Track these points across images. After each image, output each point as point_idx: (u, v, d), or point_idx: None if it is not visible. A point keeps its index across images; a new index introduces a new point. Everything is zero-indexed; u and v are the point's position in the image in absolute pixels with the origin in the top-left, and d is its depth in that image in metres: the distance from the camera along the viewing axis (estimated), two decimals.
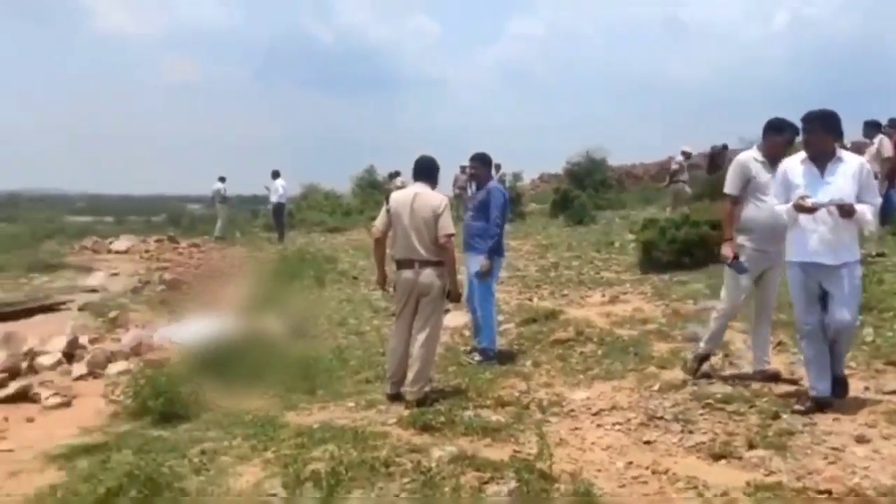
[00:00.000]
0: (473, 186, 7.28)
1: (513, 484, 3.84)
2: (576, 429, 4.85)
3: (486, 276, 6.61)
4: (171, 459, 4.25)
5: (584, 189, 23.42)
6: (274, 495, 3.91)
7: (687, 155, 16.84)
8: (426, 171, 5.79)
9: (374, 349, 7.44)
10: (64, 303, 10.68)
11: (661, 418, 4.93)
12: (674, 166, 17.14)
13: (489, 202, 6.68)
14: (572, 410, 5.19)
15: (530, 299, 9.26)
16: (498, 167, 21.89)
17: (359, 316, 9.13)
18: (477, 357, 6.65)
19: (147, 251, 17.20)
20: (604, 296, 9.02)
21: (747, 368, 5.82)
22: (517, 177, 29.46)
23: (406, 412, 5.23)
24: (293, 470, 4.16)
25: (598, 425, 4.90)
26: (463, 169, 20.61)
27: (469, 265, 6.76)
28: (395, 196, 5.80)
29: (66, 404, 6.27)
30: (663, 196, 19.35)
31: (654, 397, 5.33)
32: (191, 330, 7.50)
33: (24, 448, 5.16)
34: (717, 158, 15.51)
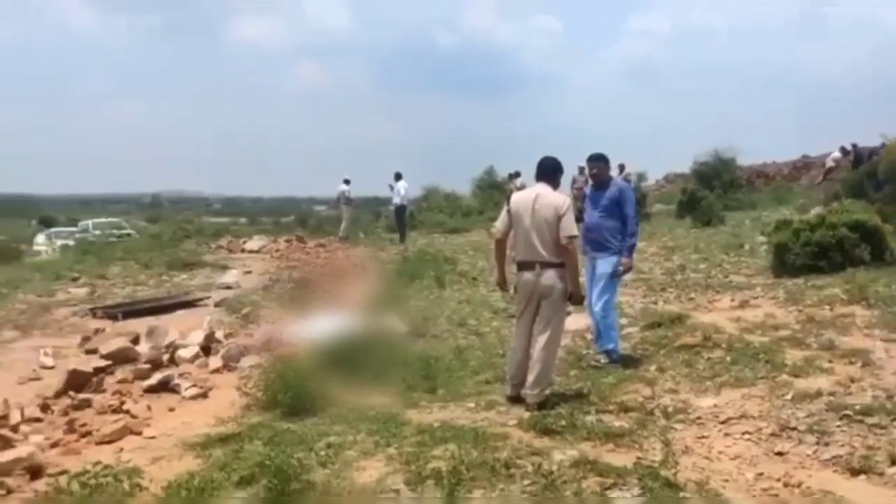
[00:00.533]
0: (589, 187, 7.07)
1: (636, 490, 3.76)
2: (702, 437, 4.69)
3: (621, 275, 6.58)
4: (298, 451, 4.40)
5: (713, 189, 22.62)
6: (396, 491, 3.99)
7: (845, 152, 16.01)
8: (549, 171, 5.72)
9: (494, 350, 7.45)
10: (202, 299, 11.30)
11: (794, 429, 4.70)
12: (829, 164, 16.33)
13: (621, 200, 6.53)
14: (699, 418, 5.02)
15: (655, 303, 9.03)
16: (622, 167, 21.46)
17: (478, 317, 9.17)
18: (603, 359, 6.54)
19: (277, 251, 17.91)
20: (733, 300, 8.67)
21: (890, 378, 5.46)
22: (641, 177, 28.80)
23: (526, 414, 5.21)
24: (415, 467, 4.24)
25: (727, 434, 4.72)
26: (581, 170, 20.31)
27: (598, 266, 6.57)
28: (516, 197, 5.78)
29: (203, 395, 6.63)
30: (796, 196, 18.43)
31: (787, 407, 5.08)
32: (318, 327, 7.74)
33: (165, 436, 5.50)
34: (861, 157, 14.67)
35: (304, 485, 3.99)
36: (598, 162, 6.76)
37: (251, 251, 18.05)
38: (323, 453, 4.59)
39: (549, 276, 5.45)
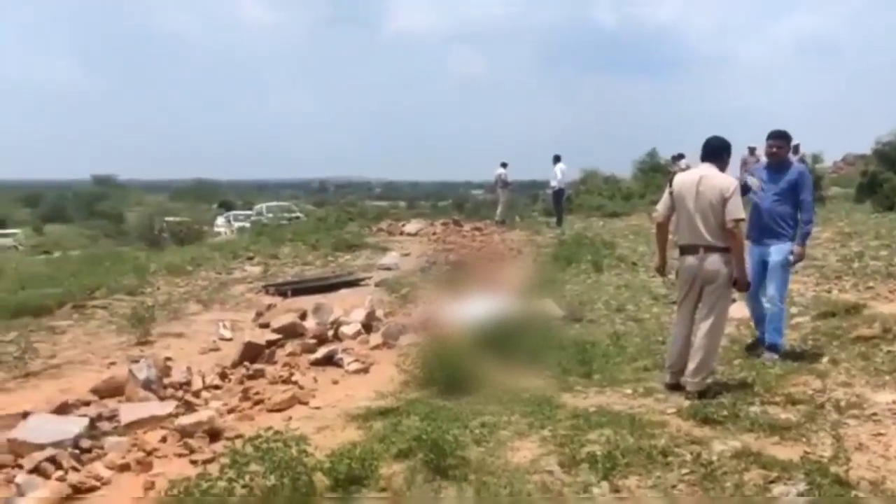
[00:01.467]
0: (763, 168, 6.57)
1: (802, 486, 3.58)
2: (879, 434, 4.38)
3: (793, 264, 6.21)
4: (454, 428, 4.50)
5: None
6: (550, 473, 4.01)
7: None
8: (715, 152, 5.49)
9: (653, 337, 7.28)
10: (364, 279, 11.76)
11: None
12: None
13: (799, 185, 6.11)
14: (875, 414, 4.69)
15: (829, 291, 8.47)
16: (797, 148, 20.20)
17: (637, 302, 8.97)
18: (767, 355, 6.10)
19: (434, 234, 18.30)
20: None
21: None
22: (816, 158, 26.92)
23: (686, 403, 5.08)
24: (569, 450, 4.24)
25: None
26: (752, 150, 19.27)
27: (770, 254, 6.15)
28: (680, 178, 5.59)
29: (365, 370, 6.92)
30: None
31: None
32: (473, 309, 7.86)
33: (330, 407, 5.79)
34: None
35: (459, 460, 4.10)
36: (780, 140, 6.27)
37: (409, 234, 18.54)
38: (477, 431, 4.68)
39: (714, 261, 5.26)
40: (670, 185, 5.55)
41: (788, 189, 6.12)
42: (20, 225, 44.10)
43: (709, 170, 5.39)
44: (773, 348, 6.13)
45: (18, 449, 4.69)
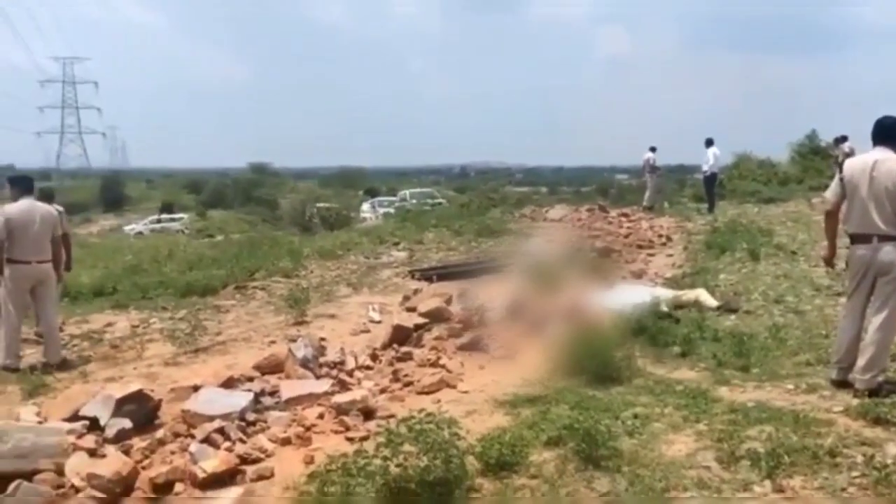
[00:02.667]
0: None
1: None
2: None
3: None
4: (605, 419, 4.46)
5: None
6: (708, 468, 3.89)
7: None
8: (889, 133, 5.12)
9: (816, 330, 6.89)
10: (507, 265, 11.77)
11: None
12: None
13: None
14: None
15: None
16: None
17: (798, 293, 8.50)
18: None
19: (579, 220, 18.05)
20: None
21: None
22: None
23: (855, 401, 4.79)
24: (727, 446, 4.11)
25: None
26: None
27: None
28: (852, 163, 5.28)
29: (510, 356, 6.93)
30: None
31: None
32: (622, 296, 7.73)
33: (477, 392, 5.86)
34: None
35: (611, 451, 4.06)
36: None
37: (553, 220, 18.39)
38: (630, 423, 4.61)
39: (889, 251, 4.93)
40: (840, 171, 5.27)
41: None
42: (186, 210, 47.42)
43: (883, 153, 5.07)
44: None
45: (191, 420, 5.06)
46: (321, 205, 29.77)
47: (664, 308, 7.63)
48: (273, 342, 7.52)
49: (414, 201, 30.06)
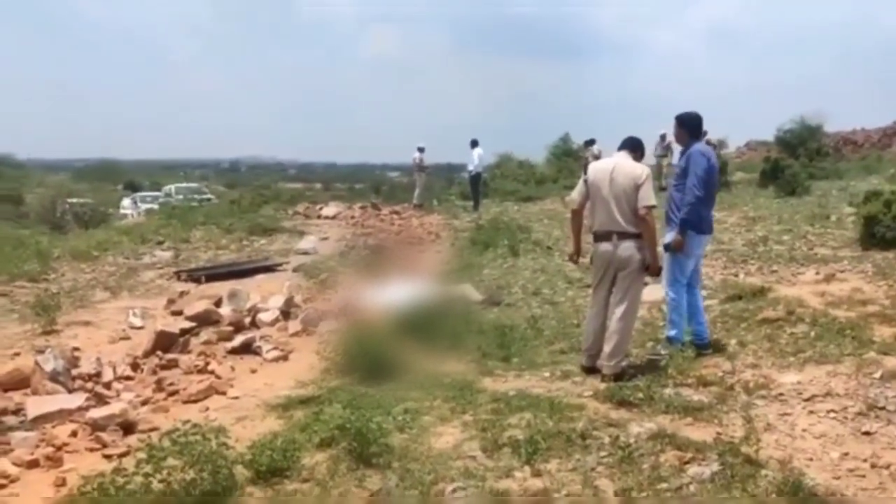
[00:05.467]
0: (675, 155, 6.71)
1: (716, 466, 3.73)
2: (785, 414, 4.60)
3: (675, 250, 5.85)
4: (377, 416, 4.49)
5: (797, 157, 21.81)
6: (473, 458, 4.05)
7: None
8: (632, 145, 5.69)
9: (569, 320, 7.43)
10: (281, 264, 11.57)
11: (882, 408, 4.57)
12: None
13: (688, 167, 5.92)
14: (781, 394, 4.91)
15: (736, 275, 8.81)
16: (704, 133, 20.96)
17: (553, 286, 9.13)
18: (662, 349, 5.97)
19: (352, 217, 18.13)
20: (818, 273, 8.38)
21: None
22: (722, 144, 28.00)
23: (602, 386, 5.21)
24: (491, 435, 4.30)
25: (811, 412, 4.61)
26: (663, 137, 19.91)
27: (665, 239, 6.15)
28: (595, 166, 5.74)
29: (284, 358, 6.83)
30: (887, 165, 17.58)
31: (876, 385, 4.91)
32: (393, 293, 7.86)
33: (249, 396, 5.70)
34: None
35: (382, 448, 4.10)
36: (676, 123, 6.08)
37: (327, 217, 18.32)
38: (400, 418, 4.69)
39: (627, 247, 5.41)
40: (585, 173, 5.70)
41: (682, 174, 5.94)
42: None
43: (623, 158, 5.56)
44: (670, 341, 6.01)
45: None
46: (74, 200, 27.40)
47: (433, 303, 7.86)
48: (17, 354, 6.80)
49: (180, 197, 28.54)
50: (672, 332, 6.02)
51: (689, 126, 6.05)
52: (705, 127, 6.24)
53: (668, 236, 5.96)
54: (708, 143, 7.18)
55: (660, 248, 5.75)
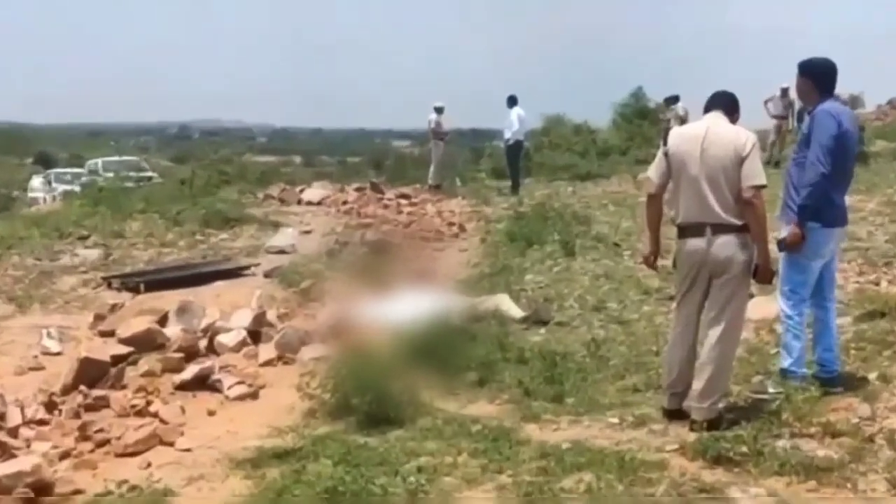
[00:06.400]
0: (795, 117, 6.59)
1: None
2: None
3: (791, 249, 5.85)
4: (380, 476, 4.52)
5: None
6: None
7: None
8: (725, 100, 5.68)
9: (645, 346, 7.43)
10: (247, 267, 11.61)
11: None
12: None
13: (811, 133, 5.88)
14: None
15: (877, 283, 8.75)
16: (784, 92, 20.92)
17: (623, 298, 9.12)
18: (773, 386, 5.98)
19: (345, 203, 18.11)
20: None
21: None
22: (856, 101, 27.76)
23: (692, 436, 5.20)
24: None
25: None
26: (784, 92, 19.80)
27: (779, 234, 6.14)
28: (679, 133, 5.74)
29: (253, 395, 6.88)
30: None
31: None
32: (403, 308, 7.87)
33: (205, 448, 5.75)
34: None
35: None
36: (804, 75, 6.03)
37: (311, 203, 18.36)
38: (413, 479, 4.70)
39: (726, 244, 5.37)
40: (666, 143, 5.67)
41: (804, 142, 5.97)
42: None
43: (717, 121, 5.53)
44: (783, 374, 6.02)
45: None
46: None
47: (456, 321, 7.87)
48: None
49: (110, 175, 28.73)
50: (788, 363, 5.98)
51: (819, 78, 5.98)
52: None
53: (784, 230, 5.92)
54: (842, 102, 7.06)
55: (773, 246, 5.72)
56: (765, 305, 7.55)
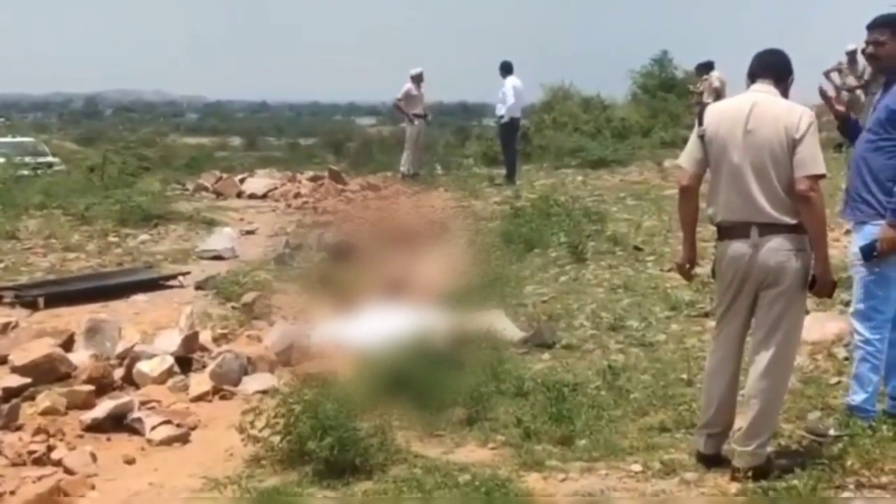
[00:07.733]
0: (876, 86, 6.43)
1: None
2: None
3: (884, 257, 5.79)
4: None
5: None
6: None
7: None
8: (774, 63, 5.64)
9: (674, 374, 7.43)
10: (174, 276, 11.61)
11: None
12: None
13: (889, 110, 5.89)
14: None
15: None
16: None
17: (646, 315, 9.14)
18: (834, 427, 5.98)
19: (297, 195, 18.14)
20: None
21: None
22: None
23: (733, 487, 5.22)
24: None
25: None
26: (851, 56, 19.63)
27: (854, 236, 6.17)
28: (717, 110, 5.72)
29: (182, 439, 6.84)
30: None
31: None
32: (372, 328, 7.87)
33: None
34: None
35: None
36: (882, 29, 6.00)
37: (254, 196, 18.36)
38: None
39: (777, 249, 5.36)
40: (701, 122, 5.63)
41: (885, 122, 5.91)
42: None
43: (764, 93, 5.50)
44: (854, 411, 6.01)
45: None
46: None
47: (440, 343, 7.87)
48: None
49: (1, 160, 28.67)
50: (861, 398, 5.96)
51: None
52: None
53: (865, 233, 5.88)
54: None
55: (833, 251, 5.72)
56: (822, 324, 7.58)
